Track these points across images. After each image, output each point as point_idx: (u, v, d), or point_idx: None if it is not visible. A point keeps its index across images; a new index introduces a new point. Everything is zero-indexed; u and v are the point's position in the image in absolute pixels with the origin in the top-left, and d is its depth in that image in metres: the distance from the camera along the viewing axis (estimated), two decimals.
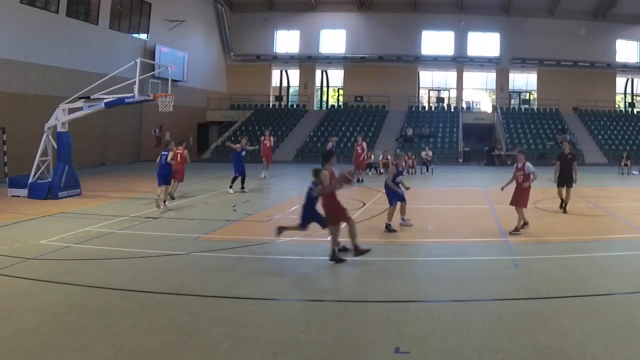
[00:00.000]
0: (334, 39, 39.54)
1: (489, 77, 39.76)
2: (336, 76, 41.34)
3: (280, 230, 8.70)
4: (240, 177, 16.64)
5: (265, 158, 21.55)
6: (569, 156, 13.37)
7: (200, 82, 36.18)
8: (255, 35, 39.19)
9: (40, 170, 15.86)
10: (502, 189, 11.06)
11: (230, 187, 16.43)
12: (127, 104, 16.14)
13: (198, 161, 30.87)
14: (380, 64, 38.52)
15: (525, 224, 10.76)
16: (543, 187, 19.21)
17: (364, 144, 21.35)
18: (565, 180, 13.10)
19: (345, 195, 16.33)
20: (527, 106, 38.95)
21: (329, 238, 8.58)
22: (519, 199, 10.59)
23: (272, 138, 22.31)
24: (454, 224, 11.94)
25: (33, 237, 9.94)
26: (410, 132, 33.75)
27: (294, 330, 5.60)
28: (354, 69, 39.25)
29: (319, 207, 8.57)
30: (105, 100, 15.53)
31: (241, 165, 16.72)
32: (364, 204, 14.49)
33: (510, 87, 39.53)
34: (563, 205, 13.18)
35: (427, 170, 24.33)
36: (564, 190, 13.17)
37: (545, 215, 12.94)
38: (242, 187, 16.64)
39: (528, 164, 10.63)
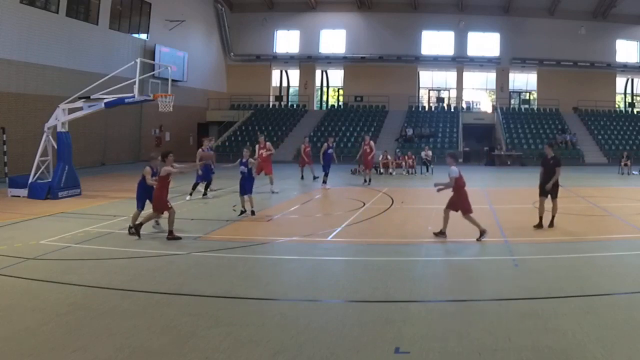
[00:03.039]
0: (334, 39, 39.51)
1: (489, 77, 39.72)
2: (336, 76, 41.31)
3: None
4: (206, 183, 15.48)
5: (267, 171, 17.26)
6: (551, 161, 11.23)
7: (200, 82, 36.18)
8: (255, 35, 39.19)
9: (40, 170, 15.86)
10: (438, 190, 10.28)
11: (191, 193, 15.21)
12: (127, 104, 16.15)
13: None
14: (380, 64, 38.50)
15: (483, 231, 9.73)
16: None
17: (372, 142, 20.53)
18: (549, 190, 11.13)
19: (346, 195, 16.45)
20: (527, 106, 38.92)
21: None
22: (456, 204, 9.84)
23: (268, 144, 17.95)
24: (454, 224, 11.92)
25: (33, 237, 9.94)
26: (410, 132, 33.73)
27: (294, 330, 5.60)
28: (354, 69, 39.24)
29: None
30: (105, 100, 15.54)
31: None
32: (364, 204, 14.49)
33: (510, 87, 39.51)
34: (550, 220, 11.10)
35: (427, 170, 24.33)
36: (546, 201, 11.17)
37: (545, 215, 12.91)
38: (205, 194, 15.52)
39: (453, 168, 9.90)
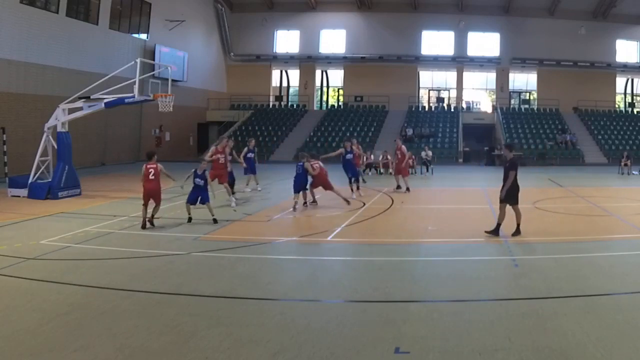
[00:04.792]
0: (334, 39, 39.53)
1: (489, 77, 39.75)
2: (336, 76, 41.33)
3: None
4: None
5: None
6: (507, 164, 10.44)
7: (200, 82, 36.19)
8: (255, 35, 39.20)
9: (40, 170, 15.86)
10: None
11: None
12: (127, 104, 16.14)
13: (198, 161, 30.87)
14: (380, 64, 38.51)
15: (347, 200, 14.02)
16: (542, 187, 19.27)
17: (404, 147, 18.06)
18: (507, 195, 10.24)
19: (346, 196, 16.41)
20: (527, 106, 38.94)
21: None
22: (316, 184, 14.17)
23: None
24: (454, 224, 11.94)
25: (33, 237, 9.94)
26: (410, 132, 33.74)
27: (294, 330, 5.60)
28: (354, 69, 39.25)
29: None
30: (105, 100, 15.53)
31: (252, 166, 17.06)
32: (364, 204, 14.49)
33: (510, 87, 39.53)
34: (516, 228, 10.27)
35: (427, 170, 24.31)
36: (508, 208, 10.30)
37: (545, 215, 12.94)
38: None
39: (314, 165, 13.90)
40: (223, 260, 8.62)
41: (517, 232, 10.22)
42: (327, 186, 14.19)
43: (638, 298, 6.63)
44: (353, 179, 16.27)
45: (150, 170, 11.27)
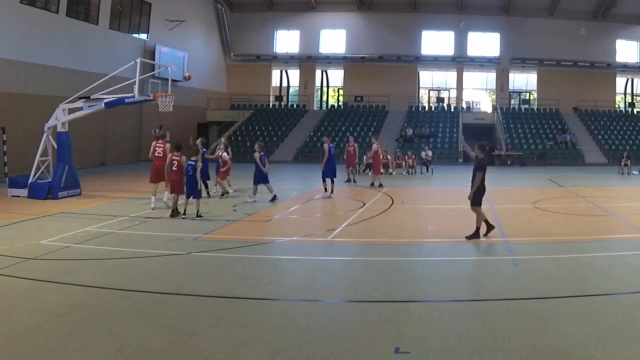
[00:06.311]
0: (334, 39, 39.53)
1: (489, 77, 39.73)
2: (336, 76, 41.32)
3: None
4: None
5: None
6: (475, 165, 10.09)
7: (200, 82, 36.13)
8: (255, 35, 39.20)
9: (40, 170, 15.86)
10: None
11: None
12: (127, 104, 16.13)
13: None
14: (380, 64, 38.51)
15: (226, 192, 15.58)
16: (542, 187, 19.27)
17: (374, 146, 19.86)
18: (470, 198, 10.04)
19: (346, 195, 16.45)
20: (527, 106, 38.93)
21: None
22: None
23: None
24: (454, 224, 11.93)
25: (33, 237, 9.94)
26: (410, 132, 33.73)
27: (294, 330, 5.60)
28: (354, 69, 39.24)
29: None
30: (105, 100, 15.53)
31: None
32: (364, 204, 14.50)
33: (510, 87, 39.52)
34: (474, 230, 9.97)
35: (427, 170, 24.32)
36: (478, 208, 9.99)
37: (545, 215, 12.94)
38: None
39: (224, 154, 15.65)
40: (223, 260, 8.62)
41: (475, 234, 9.87)
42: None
43: (638, 298, 6.64)
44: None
45: (174, 162, 12.05)
